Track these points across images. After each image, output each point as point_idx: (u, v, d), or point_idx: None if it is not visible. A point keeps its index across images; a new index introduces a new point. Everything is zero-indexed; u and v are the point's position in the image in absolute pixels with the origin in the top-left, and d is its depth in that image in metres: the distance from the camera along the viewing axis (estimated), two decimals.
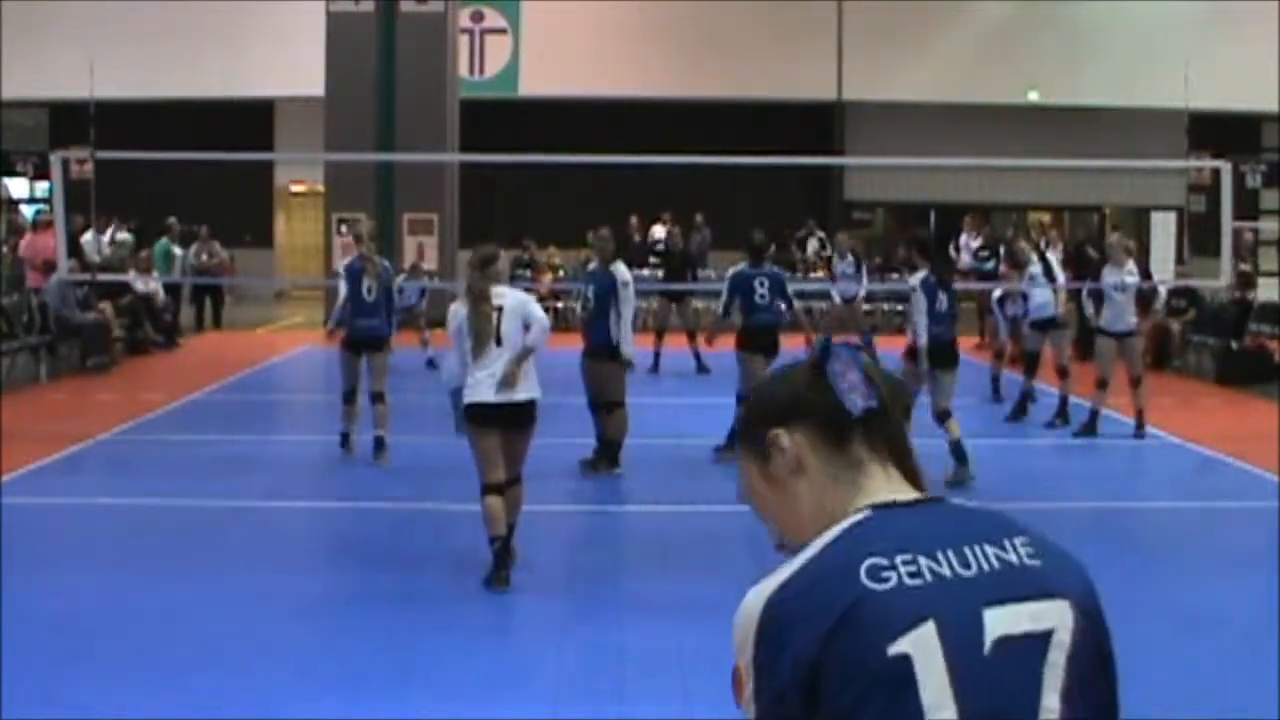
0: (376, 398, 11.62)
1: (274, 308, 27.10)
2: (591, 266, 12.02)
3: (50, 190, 18.87)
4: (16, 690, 5.90)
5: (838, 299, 19.19)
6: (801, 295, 19.27)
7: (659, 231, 25.42)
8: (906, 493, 1.78)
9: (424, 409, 14.55)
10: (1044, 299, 14.13)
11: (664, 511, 9.94)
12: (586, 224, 12.98)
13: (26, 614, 7.03)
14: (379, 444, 11.56)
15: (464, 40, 27.59)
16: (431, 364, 17.43)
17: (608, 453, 11.09)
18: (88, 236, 20.25)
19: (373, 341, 11.54)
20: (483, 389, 7.76)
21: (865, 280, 19.43)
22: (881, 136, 28.59)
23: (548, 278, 23.46)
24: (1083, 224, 30.86)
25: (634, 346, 11.11)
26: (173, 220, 23.46)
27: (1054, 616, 1.69)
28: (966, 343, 20.87)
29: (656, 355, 17.83)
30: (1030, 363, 14.19)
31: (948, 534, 1.70)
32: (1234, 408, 15.28)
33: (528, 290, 10.72)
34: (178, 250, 23.23)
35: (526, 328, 7.84)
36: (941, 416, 10.75)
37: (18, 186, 29.05)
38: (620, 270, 11.27)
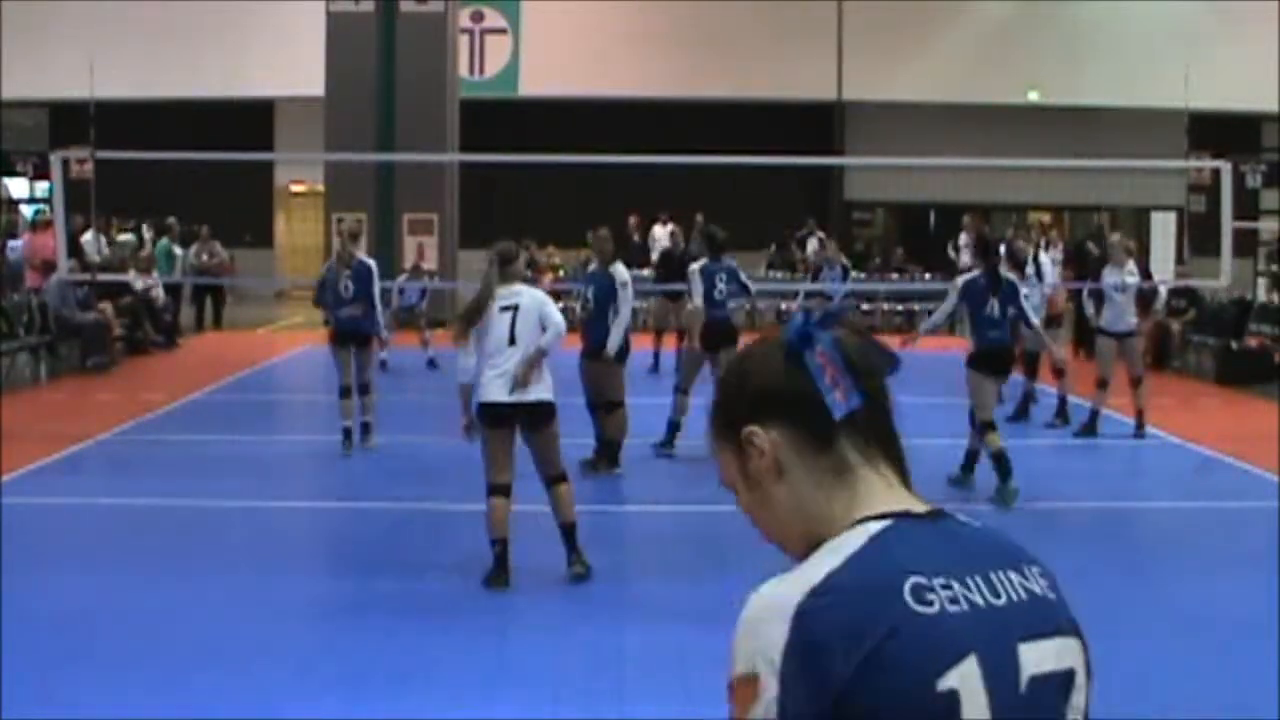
0: (363, 388, 11.97)
1: (274, 308, 27.10)
2: (591, 267, 12.05)
3: (50, 190, 18.87)
4: (16, 690, 5.90)
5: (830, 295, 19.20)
6: (797, 295, 19.30)
7: (659, 231, 25.41)
8: (913, 502, 1.64)
9: (424, 409, 14.56)
10: (1036, 301, 14.14)
11: (663, 511, 9.94)
12: (586, 224, 12.99)
13: (26, 614, 7.03)
14: (365, 429, 11.91)
15: (464, 40, 27.59)
16: (432, 364, 17.45)
17: (607, 453, 11.11)
18: (88, 236, 20.25)
19: (355, 335, 11.90)
20: (495, 388, 7.70)
21: (847, 286, 19.57)
22: (881, 136, 28.58)
23: (548, 278, 23.44)
24: (1083, 224, 30.84)
25: (618, 341, 11.08)
26: (173, 220, 23.46)
27: (1072, 656, 1.61)
28: (967, 343, 20.99)
29: (656, 355, 17.83)
30: (1030, 363, 14.20)
31: (972, 556, 1.59)
32: (1234, 408, 15.29)
33: None
34: (178, 250, 23.24)
35: (543, 329, 7.80)
36: (984, 427, 10.22)
37: (18, 186, 29.05)
38: (619, 271, 11.30)
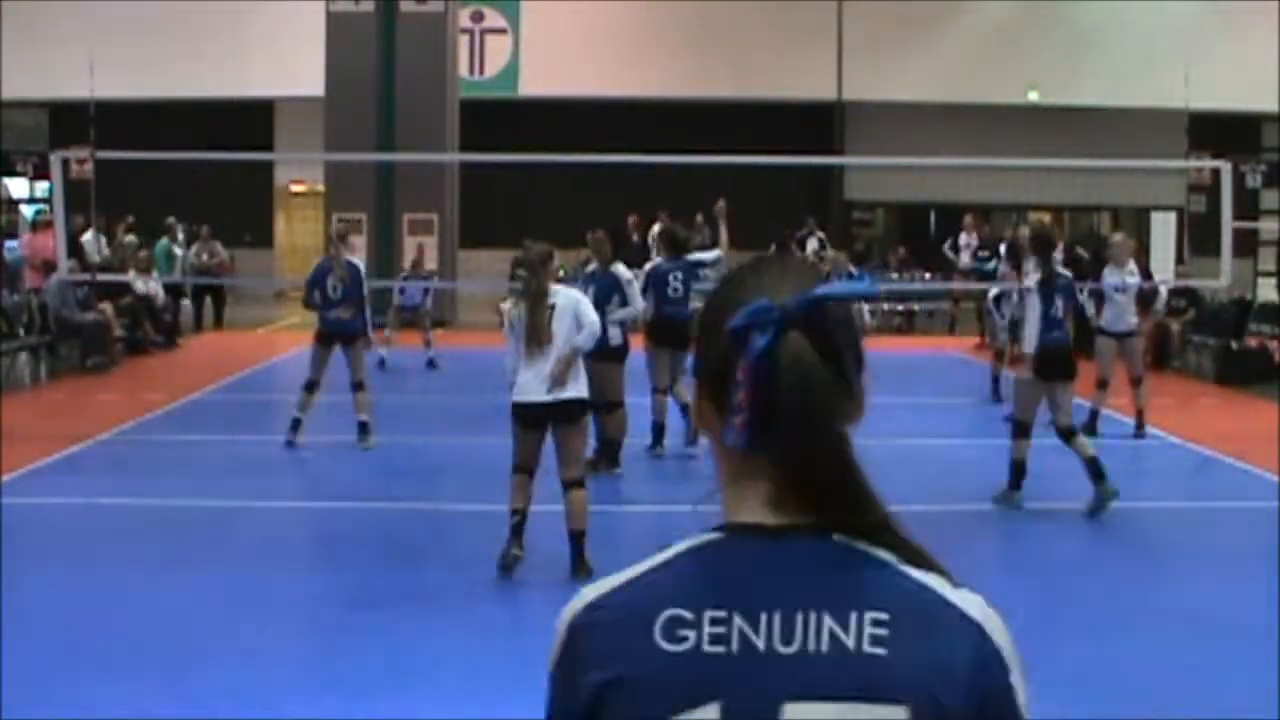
0: (356, 386, 12.04)
1: (274, 308, 27.10)
2: (591, 268, 12.06)
3: (50, 190, 18.87)
4: (16, 690, 5.90)
5: None
6: None
7: (656, 230, 25.38)
8: (784, 515, 1.42)
9: (424, 409, 14.57)
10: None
11: (664, 511, 9.93)
12: (586, 224, 13.01)
13: (26, 614, 7.03)
14: (363, 429, 11.97)
15: (464, 40, 27.59)
16: (432, 364, 17.45)
17: (608, 452, 11.12)
18: (88, 236, 20.27)
19: (342, 334, 11.98)
20: (532, 389, 7.83)
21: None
22: (881, 136, 28.58)
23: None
24: (1084, 224, 30.85)
25: (617, 332, 11.07)
26: (173, 220, 23.46)
27: None
28: (966, 343, 21.03)
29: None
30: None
31: (789, 589, 1.38)
32: (1234, 408, 15.29)
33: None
34: (178, 250, 23.23)
35: (579, 327, 7.93)
36: (1067, 434, 9.86)
37: (18, 186, 29.06)
38: (621, 270, 11.31)
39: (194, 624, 7.15)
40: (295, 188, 30.55)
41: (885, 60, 28.91)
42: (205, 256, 23.65)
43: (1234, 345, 17.61)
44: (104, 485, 10.95)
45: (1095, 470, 9.61)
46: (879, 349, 18.72)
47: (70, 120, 22.67)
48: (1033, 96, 29.11)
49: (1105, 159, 23.46)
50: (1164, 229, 29.23)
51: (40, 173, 26.04)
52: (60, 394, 15.45)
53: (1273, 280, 22.55)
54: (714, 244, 15.01)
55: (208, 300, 23.72)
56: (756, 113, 28.55)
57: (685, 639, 1.38)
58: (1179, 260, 24.34)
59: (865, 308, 19.60)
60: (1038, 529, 9.64)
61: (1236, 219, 16.54)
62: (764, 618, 1.38)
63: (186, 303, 23.09)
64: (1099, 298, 13.55)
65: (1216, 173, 17.88)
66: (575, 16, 28.89)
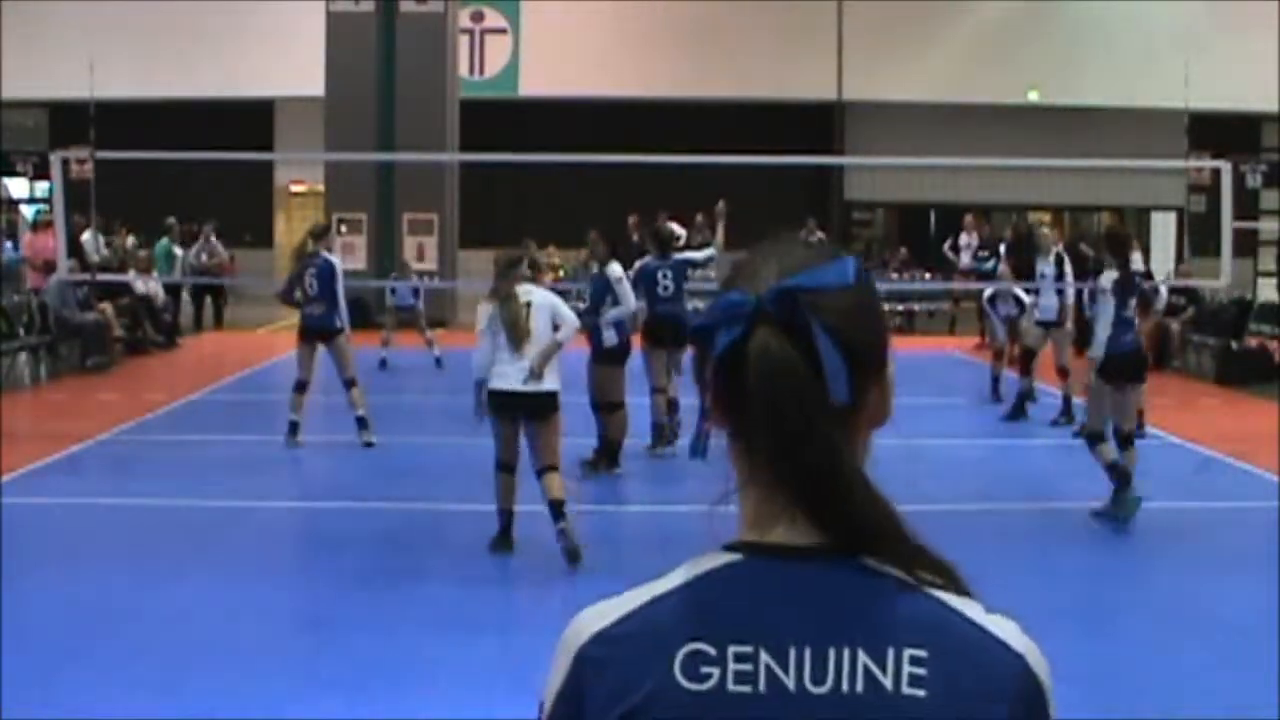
0: (347, 384, 12.08)
1: (274, 308, 27.06)
2: (594, 270, 12.08)
3: (50, 190, 18.87)
4: (16, 690, 5.90)
5: None
6: None
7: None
8: (801, 533, 1.30)
9: (425, 409, 14.57)
10: (1050, 300, 14.13)
11: (665, 511, 9.94)
12: (586, 224, 13.01)
13: (26, 614, 7.03)
14: (361, 423, 12.01)
15: (464, 40, 27.60)
16: (439, 364, 17.42)
17: (607, 453, 11.12)
18: (87, 236, 20.27)
19: (320, 332, 12.04)
20: (510, 377, 8.22)
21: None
22: (881, 136, 28.58)
23: (548, 278, 23.40)
24: (1085, 224, 30.86)
25: (612, 334, 11.08)
26: (173, 220, 23.47)
27: None
28: (966, 343, 21.03)
29: None
30: (1027, 361, 14.20)
31: (818, 621, 1.27)
32: (1234, 408, 15.29)
33: None
34: (178, 250, 23.24)
35: (556, 326, 8.36)
36: (1127, 440, 9.48)
37: (18, 186, 29.05)
38: (612, 269, 11.29)
39: (194, 624, 7.14)
40: (295, 188, 30.55)
41: (885, 60, 28.92)
42: (205, 257, 23.65)
43: (1234, 345, 17.61)
44: (104, 485, 10.95)
45: (1123, 478, 9.29)
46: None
47: (70, 120, 22.67)
48: (1033, 96, 29.11)
49: (1105, 159, 23.46)
50: (1164, 229, 29.24)
51: (40, 173, 26.02)
52: (60, 394, 15.45)
53: (1273, 280, 22.54)
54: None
55: (208, 300, 23.72)
56: (756, 113, 28.55)
57: (709, 676, 1.26)
58: (1179, 260, 24.33)
59: None
60: (1037, 529, 9.63)
61: (1236, 219, 16.53)
62: (793, 654, 1.26)
63: (186, 299, 23.10)
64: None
65: (1216, 173, 17.87)
66: (575, 16, 28.90)
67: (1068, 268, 14.59)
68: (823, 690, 1.25)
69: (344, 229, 23.02)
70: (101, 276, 18.22)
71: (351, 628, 7.18)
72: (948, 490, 10.39)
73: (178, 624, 7.14)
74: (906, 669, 1.25)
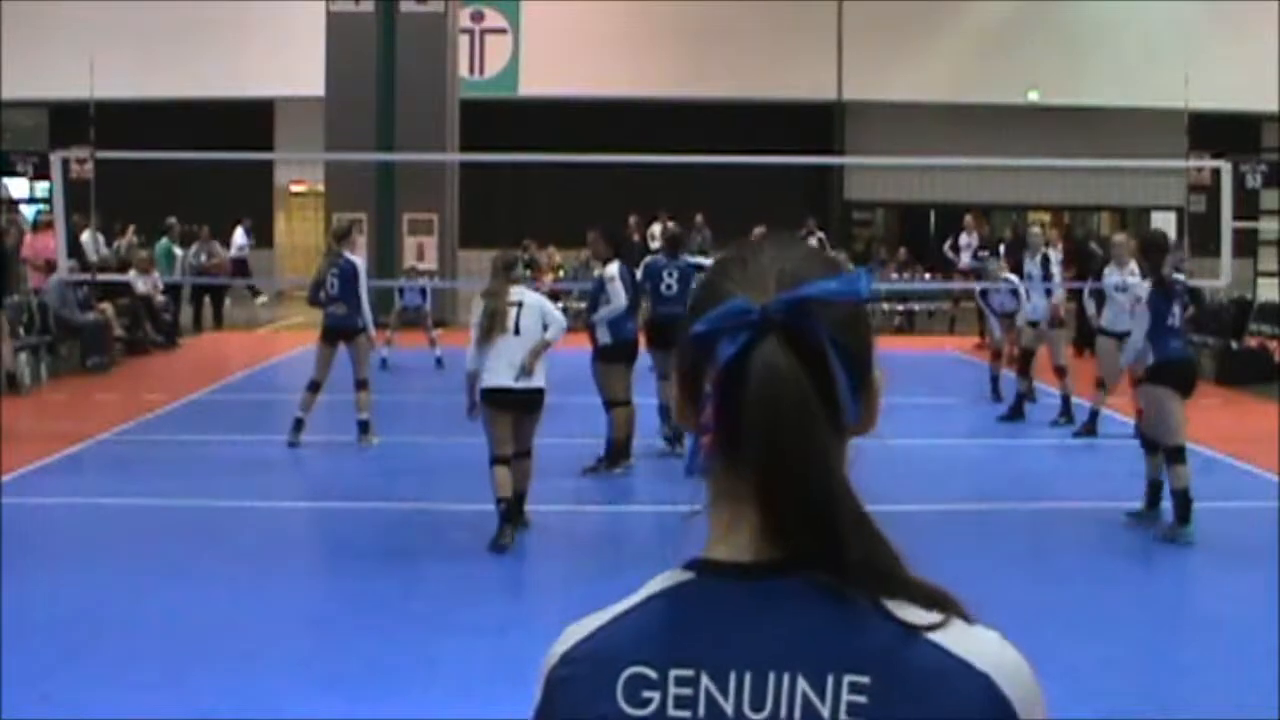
0: (358, 385, 12.11)
1: (274, 308, 27.10)
2: (596, 271, 12.08)
3: (50, 190, 18.87)
4: (16, 690, 5.90)
5: None
6: None
7: (659, 230, 25.41)
8: (769, 548, 1.25)
9: (425, 409, 14.57)
10: (1038, 300, 14.14)
11: (669, 510, 9.94)
12: (586, 224, 12.99)
13: (26, 614, 7.03)
14: (362, 427, 12.06)
15: (464, 40, 27.60)
16: (440, 364, 17.42)
17: (611, 451, 11.11)
18: (86, 236, 20.27)
19: (340, 331, 12.08)
20: (501, 375, 8.66)
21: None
22: (881, 136, 28.59)
23: (549, 278, 23.45)
24: (1083, 224, 30.87)
25: (604, 333, 11.03)
26: (173, 220, 23.48)
27: None
28: (966, 343, 21.03)
29: None
30: (1025, 362, 14.21)
31: (762, 643, 1.23)
32: (1234, 408, 15.28)
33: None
34: (178, 250, 23.25)
35: (545, 326, 8.81)
36: (1173, 456, 9.01)
37: (18, 186, 29.05)
38: (608, 269, 11.24)
39: (194, 624, 7.14)
40: (295, 188, 30.56)
41: (885, 60, 28.92)
42: (204, 257, 23.65)
43: (1234, 345, 17.60)
44: (104, 485, 10.95)
45: (1184, 508, 8.88)
46: (879, 349, 18.74)
47: (70, 120, 22.67)
48: (1033, 96, 29.12)
49: (1105, 159, 23.45)
50: (1164, 229, 29.19)
51: (40, 173, 26.01)
52: (60, 394, 15.45)
53: (1273, 280, 22.53)
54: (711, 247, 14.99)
55: (207, 300, 23.73)
56: (756, 112, 28.56)
57: (649, 701, 1.23)
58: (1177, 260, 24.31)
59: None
60: (1037, 529, 9.63)
61: (1236, 219, 16.53)
62: (734, 678, 1.22)
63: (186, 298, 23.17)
64: (1100, 297, 13.57)
65: (1216, 173, 17.87)
66: (575, 16, 28.91)
67: (1055, 268, 14.59)
68: (761, 717, 1.21)
69: None
70: (101, 276, 18.22)
71: (351, 628, 7.18)
72: (947, 490, 10.40)
73: (178, 624, 7.13)
74: (846, 698, 1.19)
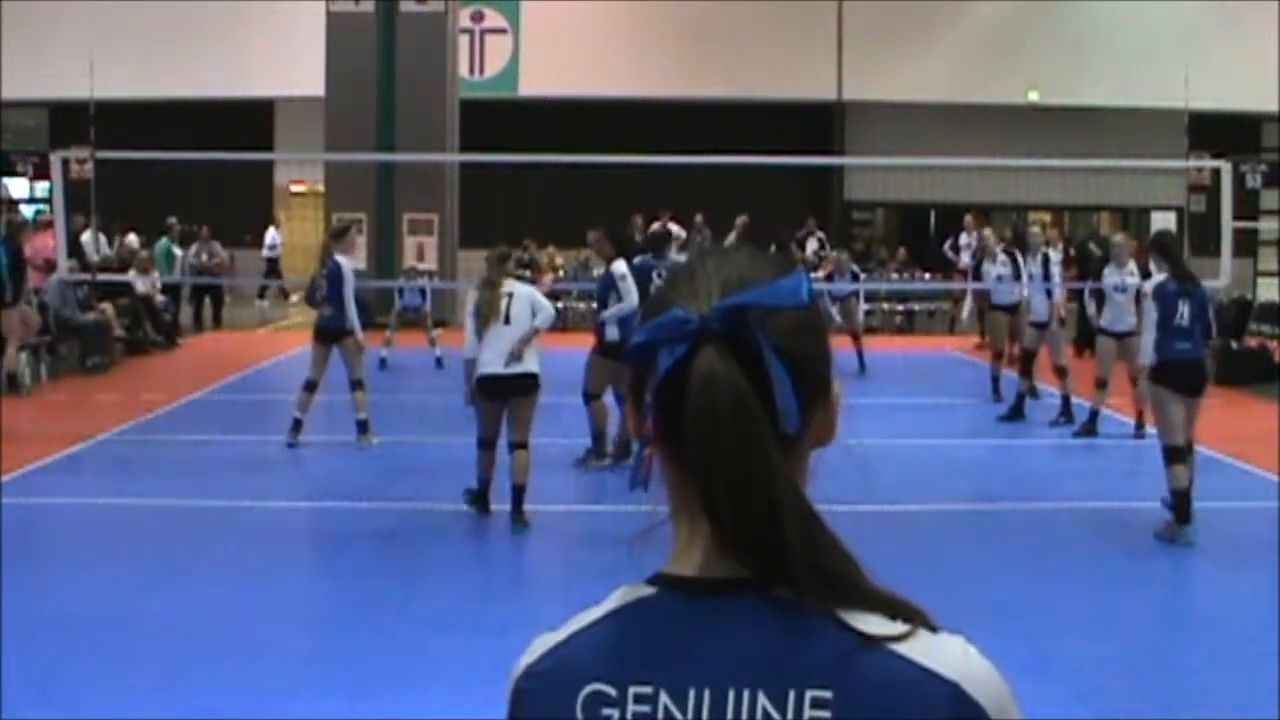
0: (353, 385, 12.15)
1: (274, 308, 27.11)
2: (598, 271, 12.08)
3: (50, 190, 18.88)
4: (16, 690, 5.90)
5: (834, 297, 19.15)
6: None
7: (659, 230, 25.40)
8: (724, 566, 1.24)
9: (425, 409, 14.57)
10: (1039, 301, 14.19)
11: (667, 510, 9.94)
12: (586, 224, 13.00)
13: (26, 614, 7.03)
14: (361, 427, 12.10)
15: (464, 40, 27.59)
16: (440, 364, 17.43)
17: (596, 445, 11.16)
18: (87, 236, 20.27)
19: (331, 332, 12.12)
20: (493, 363, 9.09)
21: (861, 289, 19.50)
22: (881, 136, 28.59)
23: (548, 277, 23.46)
24: (1083, 224, 30.87)
25: (615, 329, 11.06)
26: (173, 220, 23.49)
27: None
28: (966, 343, 21.03)
29: None
30: (1026, 362, 14.22)
31: (721, 660, 1.21)
32: (1234, 408, 15.27)
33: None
34: (178, 250, 23.26)
35: (534, 314, 9.28)
36: (1168, 455, 8.98)
37: (18, 186, 29.06)
38: (617, 266, 11.28)
39: (194, 624, 7.14)
40: (295, 188, 30.55)
41: (885, 60, 28.91)
42: (204, 257, 23.66)
43: (1234, 345, 17.60)
44: (104, 485, 10.95)
45: (1182, 508, 8.87)
46: (879, 349, 18.76)
47: (70, 120, 22.67)
48: (1033, 96, 29.11)
49: (1105, 159, 23.45)
50: (1168, 229, 29.17)
51: (40, 173, 26.03)
52: (60, 394, 15.45)
53: (1273, 280, 22.51)
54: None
55: (207, 300, 23.74)
56: (756, 113, 28.56)
57: (608, 718, 1.22)
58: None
59: (863, 306, 19.60)
60: (1036, 529, 9.63)
61: (1236, 219, 16.53)
62: (693, 695, 1.20)
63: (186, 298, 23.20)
64: (1100, 297, 13.59)
65: (1216, 173, 17.87)
66: (575, 16, 28.90)
67: (1055, 268, 14.60)
68: None
69: None
70: (101, 276, 18.22)
71: (351, 628, 7.18)
72: (947, 490, 10.39)
73: (178, 624, 7.13)
74: (808, 713, 1.18)
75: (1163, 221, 28.86)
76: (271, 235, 27.21)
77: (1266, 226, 24.21)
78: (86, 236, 19.98)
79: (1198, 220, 22.20)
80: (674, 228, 25.38)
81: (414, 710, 5.90)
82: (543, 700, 1.27)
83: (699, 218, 25.93)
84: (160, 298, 20.36)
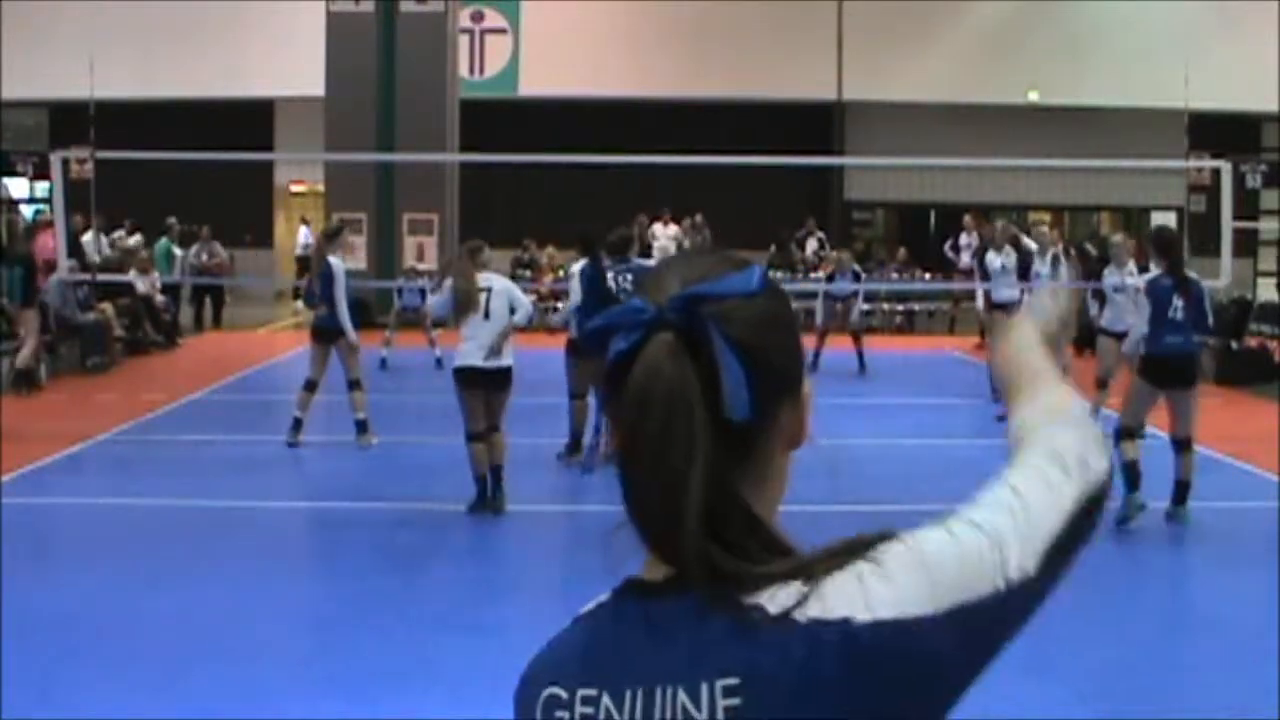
0: (350, 385, 12.18)
1: (274, 308, 27.11)
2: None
3: (50, 190, 18.88)
4: (16, 690, 5.90)
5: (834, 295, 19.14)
6: (800, 296, 19.28)
7: (659, 230, 25.44)
8: (659, 567, 1.28)
9: (425, 409, 14.56)
10: (1008, 294, 14.29)
11: None
12: (586, 224, 12.97)
13: (26, 614, 7.03)
14: (360, 426, 12.12)
15: (464, 40, 27.59)
16: (439, 364, 17.43)
17: (572, 442, 11.17)
18: (88, 236, 20.27)
19: (328, 332, 12.16)
20: (472, 355, 9.41)
21: (862, 289, 19.49)
22: (881, 136, 28.58)
23: (548, 278, 23.46)
24: (1083, 224, 30.87)
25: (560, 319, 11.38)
26: (173, 220, 23.49)
27: None
28: (966, 343, 21.02)
29: None
30: None
31: (651, 660, 1.25)
32: (1234, 408, 15.27)
33: (528, 290, 12.03)
34: (178, 250, 23.26)
35: (513, 310, 9.54)
36: (1184, 445, 9.32)
37: (18, 186, 29.07)
38: (574, 267, 11.55)
39: (194, 624, 7.14)
40: (295, 188, 30.55)
41: (885, 60, 28.91)
42: (204, 257, 23.66)
43: (1234, 345, 17.60)
44: (104, 485, 10.95)
45: (1131, 477, 9.13)
46: (879, 349, 18.75)
47: (70, 120, 22.67)
48: (1033, 96, 29.10)
49: (1105, 159, 23.45)
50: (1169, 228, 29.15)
51: (40, 173, 26.03)
52: (60, 394, 15.45)
53: (1273, 280, 22.52)
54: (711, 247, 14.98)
55: (207, 300, 23.74)
56: (756, 113, 28.55)
57: None
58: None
59: (862, 306, 19.59)
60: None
61: (1236, 219, 16.52)
62: (628, 696, 1.24)
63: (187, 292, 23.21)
64: (1101, 297, 13.60)
65: (1216, 173, 17.87)
66: (575, 16, 28.89)
67: (1063, 269, 14.60)
68: None
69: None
70: (101, 276, 18.21)
71: (351, 628, 7.18)
72: (947, 490, 10.36)
73: (178, 624, 7.13)
74: (721, 702, 1.21)
75: (1163, 222, 28.88)
76: (304, 234, 27.34)
77: (1266, 226, 24.22)
78: (88, 237, 19.98)
79: (1198, 220, 22.19)
80: (673, 228, 25.46)
81: (414, 710, 5.90)
82: (521, 705, 1.32)
83: (699, 217, 25.94)
84: (160, 298, 20.36)
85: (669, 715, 1.22)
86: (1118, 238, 15.27)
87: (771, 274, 1.31)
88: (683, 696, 1.22)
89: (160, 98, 27.84)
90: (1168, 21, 28.15)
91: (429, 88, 23.71)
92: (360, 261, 22.83)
